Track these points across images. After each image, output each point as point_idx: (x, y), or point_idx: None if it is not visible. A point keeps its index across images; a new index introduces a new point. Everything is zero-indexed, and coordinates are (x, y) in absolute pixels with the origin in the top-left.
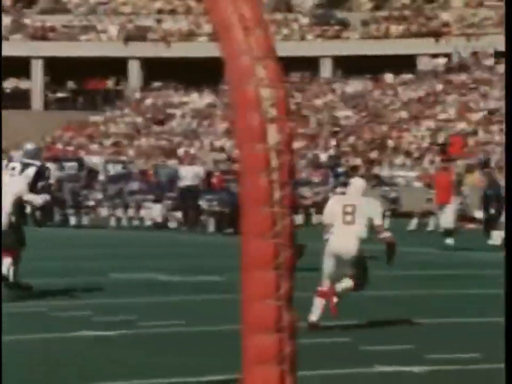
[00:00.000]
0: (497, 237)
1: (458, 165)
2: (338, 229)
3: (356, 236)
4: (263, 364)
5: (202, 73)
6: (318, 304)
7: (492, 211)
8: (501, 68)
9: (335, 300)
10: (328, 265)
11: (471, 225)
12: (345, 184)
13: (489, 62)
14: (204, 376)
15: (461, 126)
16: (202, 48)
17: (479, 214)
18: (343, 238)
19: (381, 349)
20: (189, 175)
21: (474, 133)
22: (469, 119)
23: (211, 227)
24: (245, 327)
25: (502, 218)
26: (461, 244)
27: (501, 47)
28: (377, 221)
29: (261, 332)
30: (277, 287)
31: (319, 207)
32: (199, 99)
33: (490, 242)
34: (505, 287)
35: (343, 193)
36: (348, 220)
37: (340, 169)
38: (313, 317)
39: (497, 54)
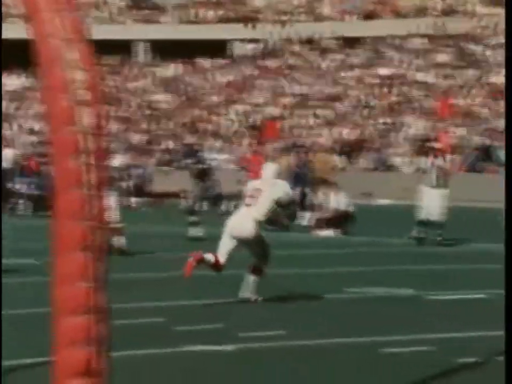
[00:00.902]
0: (304, 217)
1: (271, 148)
2: (239, 210)
3: (251, 218)
4: (74, 345)
5: (16, 55)
6: (209, 257)
7: (304, 191)
8: (311, 55)
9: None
10: (223, 242)
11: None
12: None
13: (300, 48)
14: (17, 359)
15: (274, 110)
16: (14, 29)
17: None
18: (239, 219)
19: (193, 328)
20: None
21: (286, 117)
22: (281, 103)
23: (26, 210)
24: (56, 310)
25: (308, 200)
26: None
27: (311, 33)
28: (284, 200)
29: (72, 314)
30: (88, 269)
31: (136, 190)
32: (14, 81)
33: (301, 223)
34: (505, 284)
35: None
36: (247, 203)
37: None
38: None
39: (307, 41)
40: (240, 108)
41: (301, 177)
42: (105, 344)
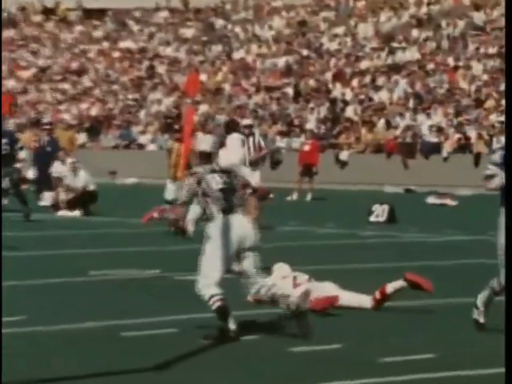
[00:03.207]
0: (47, 197)
1: (9, 123)
2: None
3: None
4: None
5: None
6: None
7: (47, 169)
8: (51, 26)
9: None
10: None
11: (25, 186)
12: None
13: (38, 18)
14: None
15: (11, 83)
16: None
17: (31, 175)
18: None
19: None
20: None
21: (25, 91)
22: (19, 76)
23: None
24: None
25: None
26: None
27: (49, 3)
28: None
29: None
30: None
31: None
32: None
33: (42, 203)
34: (506, 285)
35: None
36: None
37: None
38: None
39: (47, 11)
40: None
41: (44, 155)
42: None
